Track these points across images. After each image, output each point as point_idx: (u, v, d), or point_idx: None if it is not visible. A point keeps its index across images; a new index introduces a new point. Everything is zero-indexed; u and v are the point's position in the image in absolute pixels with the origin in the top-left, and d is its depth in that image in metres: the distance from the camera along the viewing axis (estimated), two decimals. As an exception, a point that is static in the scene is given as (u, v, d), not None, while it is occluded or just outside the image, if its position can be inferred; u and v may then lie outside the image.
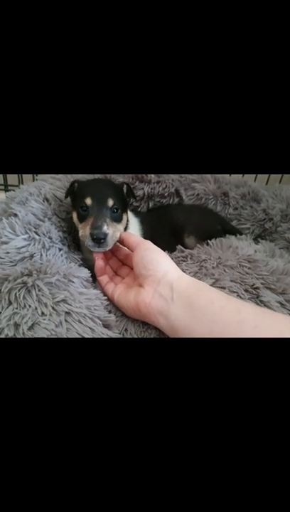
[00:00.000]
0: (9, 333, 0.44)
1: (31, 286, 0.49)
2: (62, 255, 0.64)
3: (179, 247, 0.78)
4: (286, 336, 0.36)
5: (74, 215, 0.69)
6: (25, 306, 0.47)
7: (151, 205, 0.92)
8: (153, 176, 0.89)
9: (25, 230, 0.62)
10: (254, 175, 1.19)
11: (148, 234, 0.84)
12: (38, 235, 0.62)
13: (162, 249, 0.79)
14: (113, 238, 0.64)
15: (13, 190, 0.77)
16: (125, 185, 0.75)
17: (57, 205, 0.74)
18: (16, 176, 1.13)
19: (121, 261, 0.67)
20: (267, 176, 1.19)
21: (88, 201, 0.65)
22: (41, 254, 0.60)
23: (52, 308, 0.47)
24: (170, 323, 0.46)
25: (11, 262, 0.57)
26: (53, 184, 0.80)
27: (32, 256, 0.59)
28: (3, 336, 0.44)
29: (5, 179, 1.15)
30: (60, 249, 0.66)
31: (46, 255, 0.60)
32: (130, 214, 0.82)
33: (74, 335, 0.46)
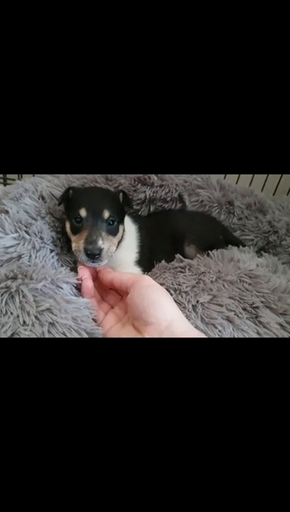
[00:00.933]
0: (-14, 341, 0.41)
1: (15, 292, 0.45)
2: (53, 257, 0.61)
3: (178, 256, 0.74)
4: None
5: (68, 226, 0.65)
6: (6, 312, 0.44)
7: (152, 209, 0.88)
8: (156, 178, 0.85)
9: (16, 229, 0.58)
10: (261, 184, 1.15)
11: (146, 242, 0.80)
12: (29, 234, 0.59)
13: (160, 258, 0.77)
14: (108, 253, 0.61)
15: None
16: (121, 194, 0.71)
17: (52, 203, 0.71)
18: None
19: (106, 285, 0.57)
20: (275, 185, 1.15)
21: (82, 212, 0.62)
22: (30, 255, 0.57)
23: (36, 317, 0.44)
24: None
25: (-3, 262, 0.54)
26: (51, 182, 0.76)
27: (20, 257, 0.55)
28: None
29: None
30: (52, 251, 0.62)
31: (35, 256, 0.57)
32: (127, 220, 0.78)
33: (56, 348, 0.43)
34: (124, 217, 0.72)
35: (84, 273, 0.56)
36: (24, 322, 0.43)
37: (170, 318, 0.43)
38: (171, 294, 0.60)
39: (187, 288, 0.62)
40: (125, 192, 0.72)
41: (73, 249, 0.62)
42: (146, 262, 0.77)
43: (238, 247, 0.81)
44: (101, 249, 0.58)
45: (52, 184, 0.75)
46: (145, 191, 0.85)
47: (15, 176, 1.09)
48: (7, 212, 0.60)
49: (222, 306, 0.56)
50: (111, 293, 0.58)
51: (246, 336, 0.54)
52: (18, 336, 0.42)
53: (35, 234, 0.59)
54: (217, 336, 0.53)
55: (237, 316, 0.56)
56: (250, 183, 1.15)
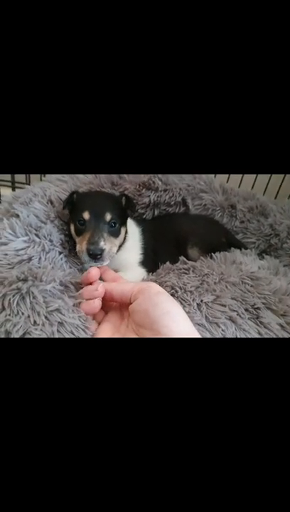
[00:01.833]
0: (-1, 340, 0.43)
1: (26, 293, 0.47)
2: (61, 259, 0.63)
3: (182, 258, 0.76)
4: None
5: (72, 228, 0.68)
6: (18, 313, 0.46)
7: (156, 213, 0.90)
8: (160, 183, 0.88)
9: (26, 232, 0.60)
10: (263, 188, 1.17)
11: (150, 244, 0.82)
12: (39, 237, 0.61)
13: (164, 259, 0.79)
14: (110, 253, 0.63)
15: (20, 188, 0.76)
16: (124, 198, 0.74)
17: (61, 207, 0.73)
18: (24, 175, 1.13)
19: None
20: (277, 189, 1.17)
21: (86, 215, 0.65)
22: (40, 257, 0.59)
23: (46, 317, 0.46)
24: None
25: (8, 264, 0.56)
26: (59, 186, 0.79)
27: (30, 259, 0.58)
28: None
29: (12, 176, 1.14)
30: (60, 253, 0.64)
31: (45, 258, 0.59)
32: (131, 223, 0.81)
33: (65, 346, 0.45)
34: (126, 220, 0.75)
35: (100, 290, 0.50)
36: (35, 322, 0.45)
37: (185, 332, 0.41)
38: (176, 292, 0.62)
39: (191, 288, 0.64)
40: (128, 196, 0.74)
41: (77, 250, 0.64)
42: (150, 263, 0.79)
43: (240, 249, 0.83)
44: (102, 250, 0.61)
45: (60, 189, 0.77)
46: (149, 196, 0.87)
47: (22, 179, 1.12)
48: (18, 216, 0.63)
49: (225, 306, 0.58)
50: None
51: (248, 336, 0.56)
52: (29, 336, 0.44)
53: (44, 237, 0.62)
54: (220, 335, 0.55)
55: (240, 316, 0.58)
56: (252, 187, 1.17)
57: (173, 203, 0.90)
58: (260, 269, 0.71)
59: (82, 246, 0.62)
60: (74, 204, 0.69)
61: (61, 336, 0.45)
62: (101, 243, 0.61)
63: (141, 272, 0.76)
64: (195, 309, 0.60)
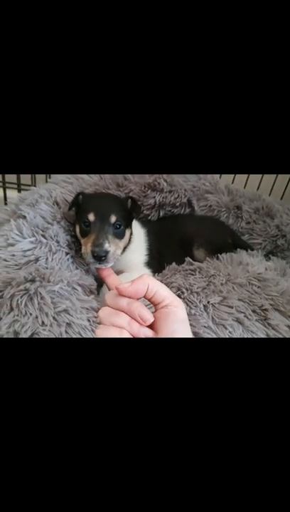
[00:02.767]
0: (7, 340, 0.43)
1: (33, 294, 0.48)
2: (68, 259, 0.63)
3: (188, 259, 0.76)
4: None
5: (78, 229, 0.69)
6: (26, 313, 0.46)
7: (161, 214, 0.90)
8: (165, 184, 0.88)
9: (33, 233, 0.61)
10: (269, 188, 1.16)
11: (155, 245, 0.82)
12: (45, 238, 0.61)
13: (169, 260, 0.78)
14: (114, 255, 0.63)
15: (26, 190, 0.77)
16: (129, 200, 0.74)
17: (66, 209, 0.73)
18: (29, 175, 1.13)
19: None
20: (283, 190, 1.16)
21: (91, 217, 0.65)
22: (47, 258, 0.59)
23: (54, 318, 0.46)
24: None
25: (16, 265, 0.57)
26: (65, 188, 0.79)
27: (37, 259, 0.58)
28: (1, 343, 0.43)
29: (18, 178, 1.15)
30: (67, 253, 0.64)
31: (52, 259, 0.59)
32: (136, 224, 0.81)
33: (73, 347, 0.45)
34: (131, 222, 0.75)
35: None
36: (43, 322, 0.45)
37: None
38: (183, 293, 0.61)
39: (198, 289, 0.64)
40: (134, 198, 0.74)
41: (82, 251, 0.65)
42: (156, 264, 0.79)
43: (247, 250, 0.82)
44: (107, 252, 0.61)
45: (65, 190, 0.78)
46: (155, 197, 0.87)
47: (28, 180, 1.12)
48: (24, 217, 0.63)
49: (232, 307, 0.58)
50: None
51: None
52: (37, 336, 0.44)
53: (51, 237, 0.62)
54: (227, 337, 0.55)
55: (247, 317, 0.57)
56: (258, 188, 1.16)
57: (178, 204, 0.90)
58: (267, 270, 0.71)
59: (86, 248, 0.63)
60: (79, 205, 0.70)
61: (69, 337, 0.45)
62: (106, 245, 0.61)
63: (147, 273, 0.76)
64: (202, 311, 0.59)
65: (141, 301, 0.44)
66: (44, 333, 0.44)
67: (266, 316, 0.58)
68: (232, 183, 1.08)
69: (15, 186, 1.16)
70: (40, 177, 1.12)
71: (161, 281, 0.62)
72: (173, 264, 0.74)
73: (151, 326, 0.43)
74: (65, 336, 0.45)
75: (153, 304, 0.45)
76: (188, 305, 0.59)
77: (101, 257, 0.60)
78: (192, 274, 0.71)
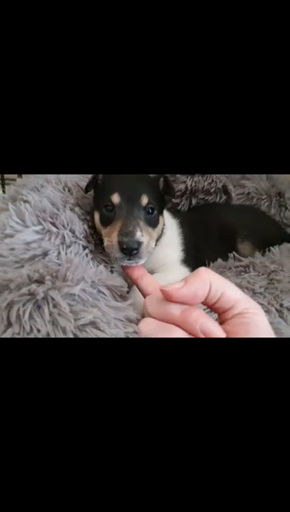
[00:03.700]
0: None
1: (42, 300, 0.31)
2: (87, 255, 0.47)
3: (235, 254, 0.60)
4: None
5: (97, 217, 0.53)
6: (31, 329, 0.30)
7: (193, 203, 0.75)
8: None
9: (38, 220, 0.45)
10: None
11: (189, 238, 0.66)
12: (56, 226, 0.45)
13: (209, 256, 0.63)
14: (148, 249, 0.47)
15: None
16: (162, 179, 0.58)
17: (80, 195, 0.58)
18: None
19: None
20: None
21: (115, 198, 0.49)
22: (59, 252, 0.43)
23: (75, 335, 0.29)
24: None
25: (16, 261, 0.40)
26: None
27: (46, 254, 0.42)
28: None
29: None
30: (85, 247, 0.48)
31: (66, 254, 0.43)
32: (166, 214, 0.65)
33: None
34: (163, 207, 0.59)
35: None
36: (59, 343, 0.29)
37: None
38: None
39: (260, 289, 0.48)
40: (167, 177, 0.58)
41: (105, 244, 0.48)
42: (193, 261, 0.63)
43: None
44: (140, 243, 0.45)
45: (77, 175, 0.62)
46: (185, 181, 0.72)
47: (14, 176, 0.97)
48: (27, 201, 0.47)
49: None
50: None
51: None
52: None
53: (63, 226, 0.46)
54: None
55: None
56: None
57: (213, 190, 0.74)
58: None
59: (111, 238, 0.47)
60: (99, 187, 0.54)
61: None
62: (138, 233, 0.46)
63: (185, 273, 0.60)
64: (275, 316, 0.43)
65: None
66: (62, 361, 0.27)
67: None
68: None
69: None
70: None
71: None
72: (219, 260, 0.58)
73: None
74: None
75: (216, 312, 0.32)
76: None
77: (132, 250, 0.44)
78: (245, 272, 0.55)
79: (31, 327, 0.30)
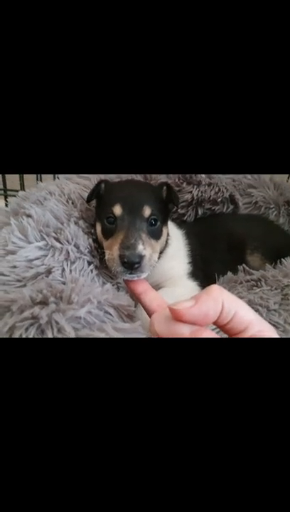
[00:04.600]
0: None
1: (46, 324, 0.29)
2: (92, 271, 0.45)
3: (244, 267, 0.57)
4: None
5: (99, 229, 0.51)
6: (34, 357, 0.28)
7: (199, 214, 0.73)
8: (203, 176, 0.71)
9: (42, 235, 0.43)
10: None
11: (196, 250, 0.64)
12: (60, 242, 0.43)
13: (217, 269, 0.61)
14: (151, 262, 0.45)
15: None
16: (165, 187, 0.56)
17: (84, 207, 0.56)
18: (18, 181, 0.95)
19: None
20: None
21: (117, 210, 0.48)
22: (63, 269, 0.41)
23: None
24: None
25: (18, 280, 0.39)
26: (79, 183, 0.62)
27: (50, 271, 0.40)
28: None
29: (4, 182, 0.97)
30: (90, 263, 0.46)
31: (70, 271, 0.41)
32: (171, 225, 0.63)
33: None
34: (167, 216, 0.57)
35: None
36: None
37: None
38: (257, 311, 0.43)
39: (275, 305, 0.45)
40: (169, 185, 0.57)
41: (106, 257, 0.47)
42: (201, 274, 0.61)
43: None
44: (142, 256, 0.43)
45: (81, 186, 0.61)
46: (191, 191, 0.70)
47: (16, 185, 0.95)
48: (29, 216, 0.46)
49: None
50: None
51: None
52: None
53: (68, 241, 0.44)
54: None
55: None
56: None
57: (219, 200, 0.72)
58: None
59: (112, 251, 0.45)
60: (101, 197, 0.52)
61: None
62: (140, 247, 0.44)
63: (193, 287, 0.58)
64: (293, 336, 0.41)
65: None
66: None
67: None
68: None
69: (2, 192, 0.98)
70: (28, 183, 0.93)
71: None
72: (229, 273, 0.56)
73: None
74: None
75: (227, 333, 0.30)
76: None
77: (133, 264, 0.42)
78: (257, 286, 0.53)
79: (34, 354, 0.28)
